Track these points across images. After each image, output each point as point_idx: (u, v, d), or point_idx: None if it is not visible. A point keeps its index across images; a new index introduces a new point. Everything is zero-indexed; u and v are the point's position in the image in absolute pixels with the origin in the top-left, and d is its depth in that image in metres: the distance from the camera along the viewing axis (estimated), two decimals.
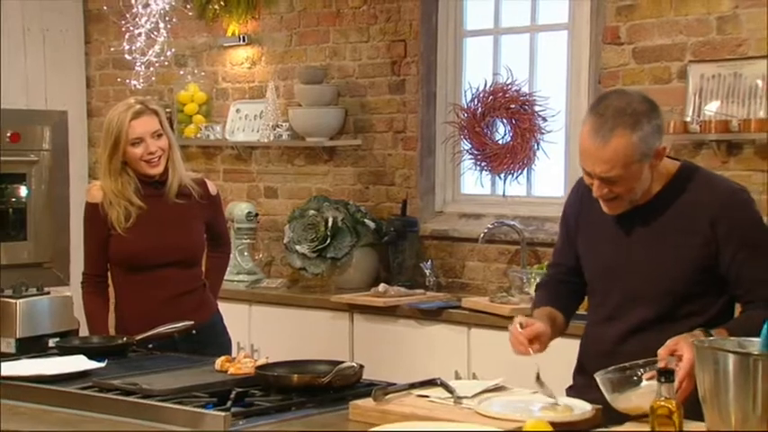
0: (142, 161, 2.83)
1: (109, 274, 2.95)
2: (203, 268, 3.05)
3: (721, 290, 2.18)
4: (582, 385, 2.23)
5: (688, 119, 3.62)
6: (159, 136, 2.84)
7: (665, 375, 1.78)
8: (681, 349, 2.01)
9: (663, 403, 1.77)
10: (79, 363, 2.48)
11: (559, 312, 2.30)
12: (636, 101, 2.12)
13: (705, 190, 2.17)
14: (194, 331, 2.83)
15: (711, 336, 2.05)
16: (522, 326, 2.17)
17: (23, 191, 5.00)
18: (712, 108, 3.59)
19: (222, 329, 3.02)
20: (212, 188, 3.01)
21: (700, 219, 2.14)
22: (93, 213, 2.87)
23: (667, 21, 3.70)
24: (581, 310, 2.43)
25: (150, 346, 2.74)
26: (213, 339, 2.92)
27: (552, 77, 4.12)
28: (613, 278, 2.22)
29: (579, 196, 2.32)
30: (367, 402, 2.11)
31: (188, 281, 2.92)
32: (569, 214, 2.36)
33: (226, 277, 4.38)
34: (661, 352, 2.02)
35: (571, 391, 2.24)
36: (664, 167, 2.18)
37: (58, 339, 2.75)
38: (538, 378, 2.07)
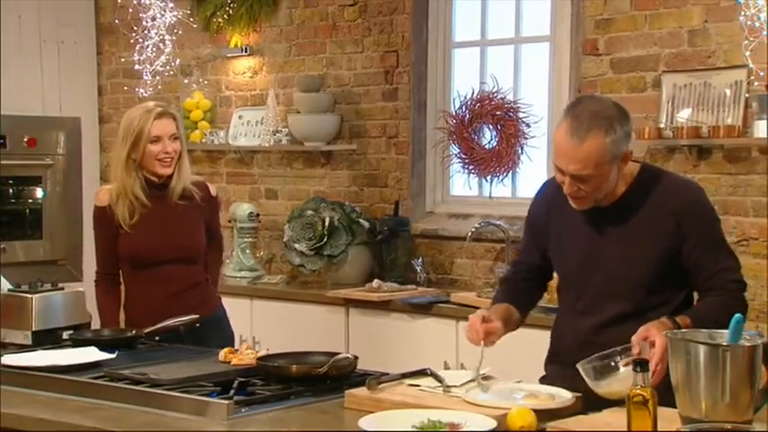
0: (156, 160, 2.83)
1: (120, 271, 2.95)
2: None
3: (683, 282, 2.21)
4: (555, 374, 2.25)
5: (662, 125, 3.62)
6: (175, 138, 2.86)
7: (641, 365, 1.78)
8: (653, 335, 2.02)
9: (638, 391, 1.77)
10: (91, 354, 2.48)
11: (516, 310, 2.32)
12: (609, 106, 2.15)
13: (669, 189, 2.20)
14: (198, 324, 2.82)
15: (677, 322, 2.07)
16: (484, 319, 2.19)
17: (39, 192, 4.98)
18: (684, 115, 3.60)
19: (225, 323, 3.01)
20: (212, 190, 3.02)
21: (665, 215, 2.16)
22: (102, 215, 2.88)
23: (642, 34, 3.70)
24: (551, 304, 2.43)
25: (157, 338, 2.73)
26: (217, 332, 2.91)
27: (535, 86, 4.12)
28: (588, 274, 2.23)
29: (546, 201, 2.33)
30: (361, 391, 2.11)
31: (191, 276, 2.92)
32: (535, 216, 2.36)
33: (229, 274, 4.42)
34: (634, 339, 2.03)
35: (545, 381, 2.25)
36: (627, 169, 2.20)
37: (71, 332, 2.74)
38: (478, 368, 2.12)
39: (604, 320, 2.20)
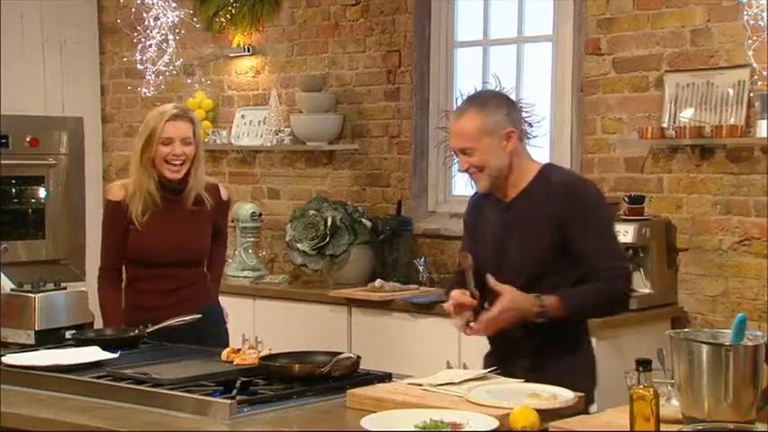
0: (165, 162, 2.83)
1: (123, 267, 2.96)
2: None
3: (572, 270, 2.37)
4: (487, 355, 2.50)
5: (664, 125, 3.62)
6: (188, 143, 2.84)
7: (643, 364, 1.78)
8: (500, 310, 2.30)
9: (641, 391, 1.76)
10: (94, 353, 2.48)
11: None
12: (491, 95, 2.53)
13: (558, 182, 2.40)
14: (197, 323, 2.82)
15: (542, 301, 2.29)
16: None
17: (42, 192, 4.98)
18: (687, 115, 3.59)
19: (221, 319, 3.02)
20: (224, 194, 3.02)
21: (550, 207, 2.36)
22: (115, 210, 2.89)
23: (645, 33, 3.70)
24: None
25: (148, 330, 2.71)
26: (212, 328, 2.91)
27: (537, 86, 4.12)
28: (497, 267, 2.43)
29: (472, 208, 2.57)
30: (364, 391, 2.11)
31: (190, 276, 2.94)
32: (468, 218, 2.58)
33: (231, 273, 4.43)
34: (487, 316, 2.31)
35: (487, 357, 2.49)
36: (528, 169, 2.42)
37: (73, 331, 2.74)
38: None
39: None
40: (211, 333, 2.87)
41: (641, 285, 3.59)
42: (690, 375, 1.83)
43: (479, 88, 4.23)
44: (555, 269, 2.36)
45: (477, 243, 2.50)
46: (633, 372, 1.81)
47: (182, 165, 2.84)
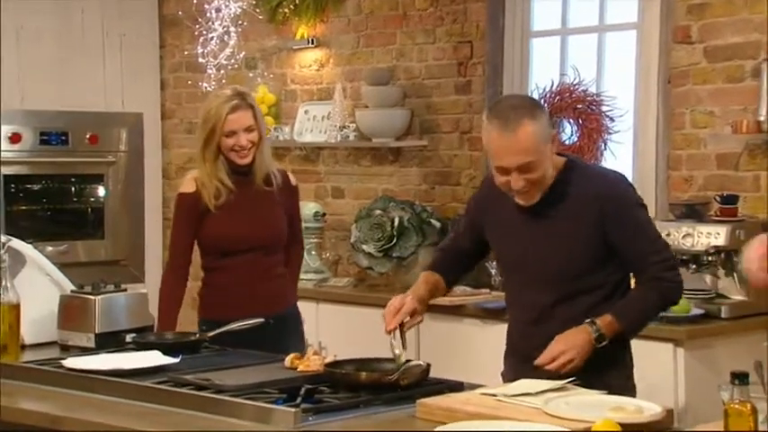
0: (232, 151, 2.93)
1: (190, 266, 3.03)
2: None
3: (613, 268, 2.36)
4: (510, 367, 2.44)
5: (761, 118, 3.52)
6: (251, 130, 2.93)
7: (739, 378, 1.73)
8: (560, 351, 2.27)
9: (737, 406, 1.72)
10: (154, 358, 2.52)
11: (442, 279, 2.57)
12: (525, 98, 2.44)
13: (591, 178, 2.39)
14: (272, 321, 2.87)
15: (596, 323, 2.29)
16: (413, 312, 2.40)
17: (101, 191, 5.10)
18: None
19: (295, 324, 3.05)
20: (293, 179, 3.13)
21: (588, 203, 2.33)
22: (188, 201, 2.97)
23: (741, 19, 3.61)
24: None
25: (210, 334, 2.74)
26: (286, 332, 2.93)
27: (620, 77, 4.05)
28: (520, 267, 2.43)
29: (487, 194, 2.48)
30: (434, 400, 2.10)
31: (269, 267, 2.99)
32: (476, 207, 2.54)
33: None
34: (543, 360, 2.27)
35: (504, 375, 2.44)
36: (554, 163, 2.36)
37: (134, 335, 2.79)
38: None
39: (539, 309, 2.39)
40: (285, 336, 2.89)
41: (734, 292, 3.50)
42: None
43: (556, 81, 4.22)
44: (594, 268, 2.34)
45: (498, 245, 2.47)
46: (728, 385, 1.76)
47: (249, 150, 2.93)
